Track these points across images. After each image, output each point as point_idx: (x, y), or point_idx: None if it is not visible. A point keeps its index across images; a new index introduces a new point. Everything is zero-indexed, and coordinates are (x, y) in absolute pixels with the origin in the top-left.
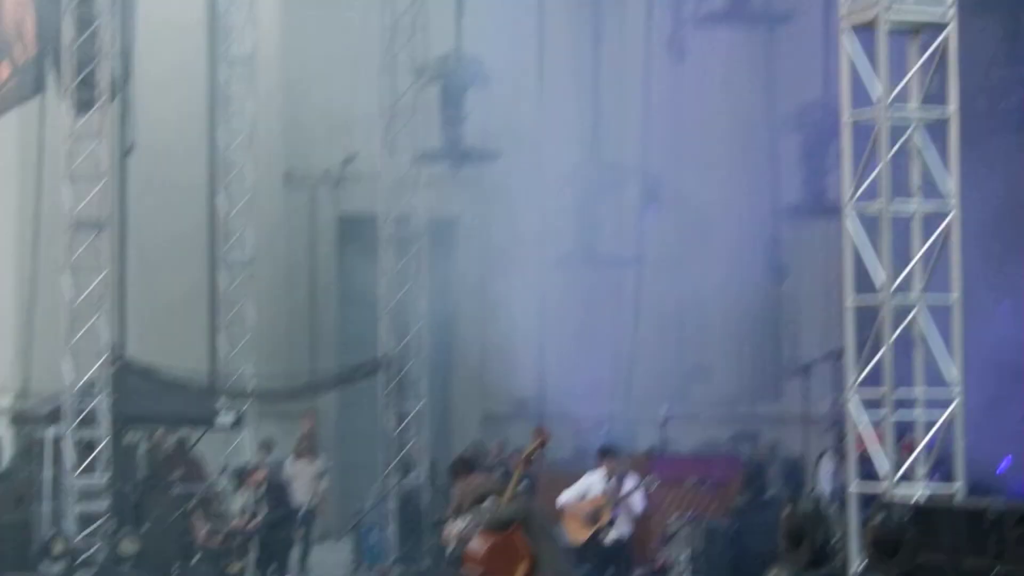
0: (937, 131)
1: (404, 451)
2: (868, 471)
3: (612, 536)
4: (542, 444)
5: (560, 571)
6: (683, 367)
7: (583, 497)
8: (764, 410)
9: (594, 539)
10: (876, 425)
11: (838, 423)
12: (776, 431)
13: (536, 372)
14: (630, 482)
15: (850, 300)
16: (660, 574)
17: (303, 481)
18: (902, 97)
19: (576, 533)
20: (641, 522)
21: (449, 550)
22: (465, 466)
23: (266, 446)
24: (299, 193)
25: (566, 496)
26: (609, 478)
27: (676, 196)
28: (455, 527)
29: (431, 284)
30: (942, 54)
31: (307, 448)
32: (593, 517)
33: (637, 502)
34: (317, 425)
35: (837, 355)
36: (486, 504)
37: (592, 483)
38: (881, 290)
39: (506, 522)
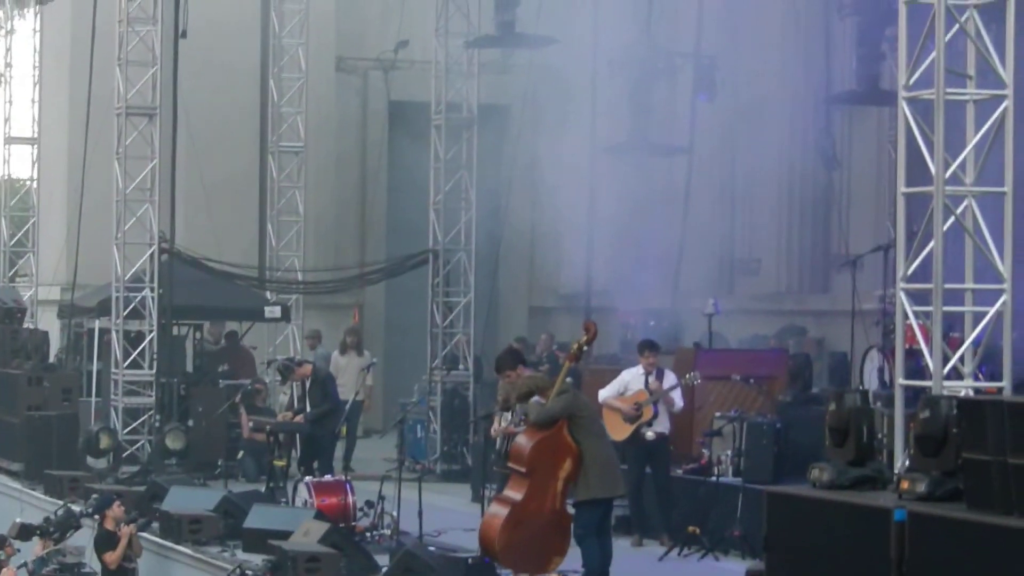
0: (994, 13)
1: (450, 345)
2: (915, 366)
3: (652, 433)
4: (591, 339)
5: (606, 466)
6: (731, 260)
7: (622, 393)
8: (812, 304)
9: (635, 436)
10: (924, 320)
11: (886, 318)
12: (823, 326)
13: (584, 265)
14: (670, 378)
15: (902, 188)
16: (704, 470)
17: (349, 375)
18: None
19: (616, 429)
20: (683, 418)
21: (497, 445)
22: (511, 360)
23: (313, 338)
24: (351, 79)
25: (605, 392)
26: (648, 374)
27: (729, 83)
28: (502, 422)
29: (481, 173)
30: None
31: (354, 342)
32: (634, 414)
33: (677, 399)
34: (364, 318)
35: (886, 248)
36: (533, 400)
37: (631, 378)
38: (934, 180)
39: (553, 419)
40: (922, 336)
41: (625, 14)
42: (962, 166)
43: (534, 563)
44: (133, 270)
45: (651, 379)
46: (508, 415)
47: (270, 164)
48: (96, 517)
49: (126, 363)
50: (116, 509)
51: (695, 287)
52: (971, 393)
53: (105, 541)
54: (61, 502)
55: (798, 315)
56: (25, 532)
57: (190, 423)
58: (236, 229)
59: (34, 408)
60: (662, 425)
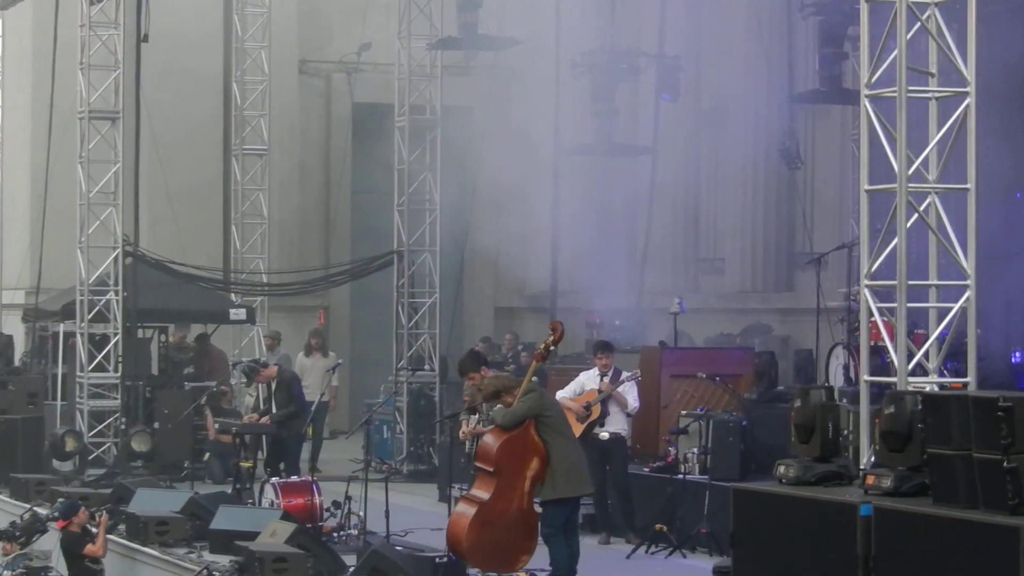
0: (955, 11)
1: (416, 346)
2: (880, 363)
3: (605, 433)
4: (558, 339)
5: (572, 466)
6: (695, 259)
7: (579, 394)
8: (777, 302)
9: (589, 436)
10: (889, 317)
11: (851, 315)
12: (788, 324)
13: (549, 265)
14: (625, 378)
15: (865, 186)
16: (670, 468)
17: (314, 376)
18: None
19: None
20: (649, 416)
21: (466, 448)
22: (474, 363)
23: (272, 339)
24: (314, 82)
25: (562, 393)
26: (604, 375)
27: (692, 84)
28: (469, 424)
29: (445, 175)
30: None
31: (318, 343)
32: (584, 413)
33: (631, 399)
34: (329, 320)
35: (850, 246)
36: (497, 408)
37: (587, 379)
38: (897, 177)
39: (519, 420)
40: (887, 333)
41: (588, 15)
42: (925, 163)
43: (502, 562)
44: (97, 273)
45: (604, 380)
46: (475, 417)
47: (234, 167)
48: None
49: (91, 366)
50: (82, 515)
51: (660, 287)
52: (936, 389)
53: (76, 541)
54: (27, 506)
55: (763, 313)
56: None
57: (156, 425)
58: (200, 232)
59: None
60: (616, 425)
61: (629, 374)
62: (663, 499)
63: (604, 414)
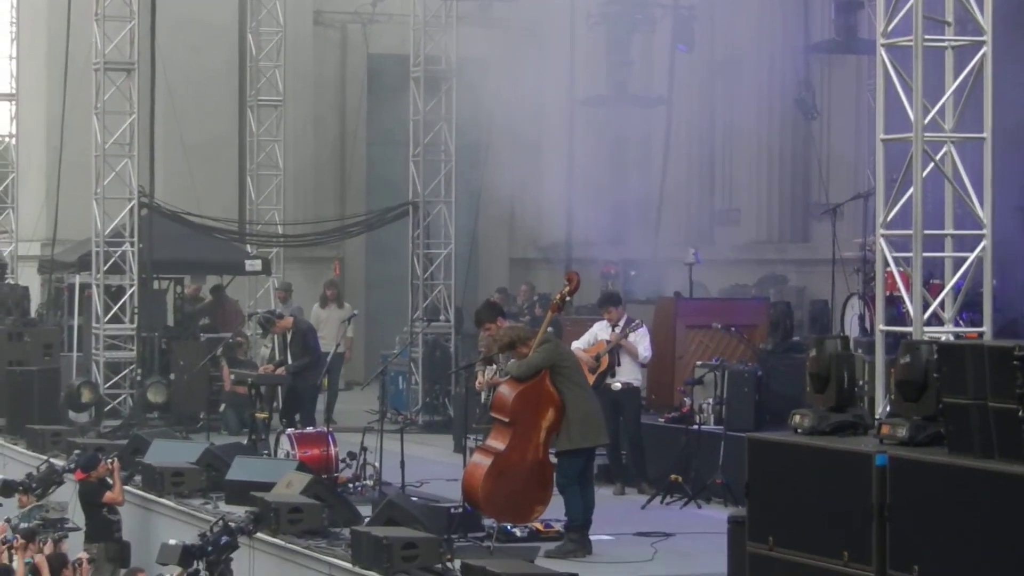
0: None
1: (431, 297)
2: (896, 313)
3: (617, 383)
4: (574, 289)
5: (587, 416)
6: (711, 210)
7: (592, 345)
8: (792, 253)
9: (601, 386)
10: (904, 266)
11: (866, 265)
12: (804, 274)
13: (564, 216)
14: (638, 329)
15: (880, 135)
16: (685, 419)
17: (330, 327)
18: None
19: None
20: (665, 367)
21: (482, 399)
22: (491, 313)
23: (284, 291)
24: (329, 33)
25: (576, 344)
26: (614, 326)
27: (707, 34)
28: (485, 375)
29: (460, 126)
30: None
31: (333, 294)
32: (593, 363)
33: (642, 348)
34: (344, 271)
35: (866, 196)
36: (511, 363)
37: (599, 330)
38: (913, 126)
39: (535, 370)
40: (902, 283)
41: None
42: (941, 113)
43: (517, 512)
44: (113, 225)
45: (615, 331)
46: (491, 368)
47: (249, 118)
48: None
49: (107, 318)
50: (101, 468)
51: (675, 237)
52: (951, 338)
53: (94, 490)
54: (43, 457)
55: (779, 264)
56: (7, 489)
57: (171, 377)
58: (215, 184)
59: (15, 363)
60: (628, 375)
61: (633, 322)
62: (678, 449)
63: (615, 364)
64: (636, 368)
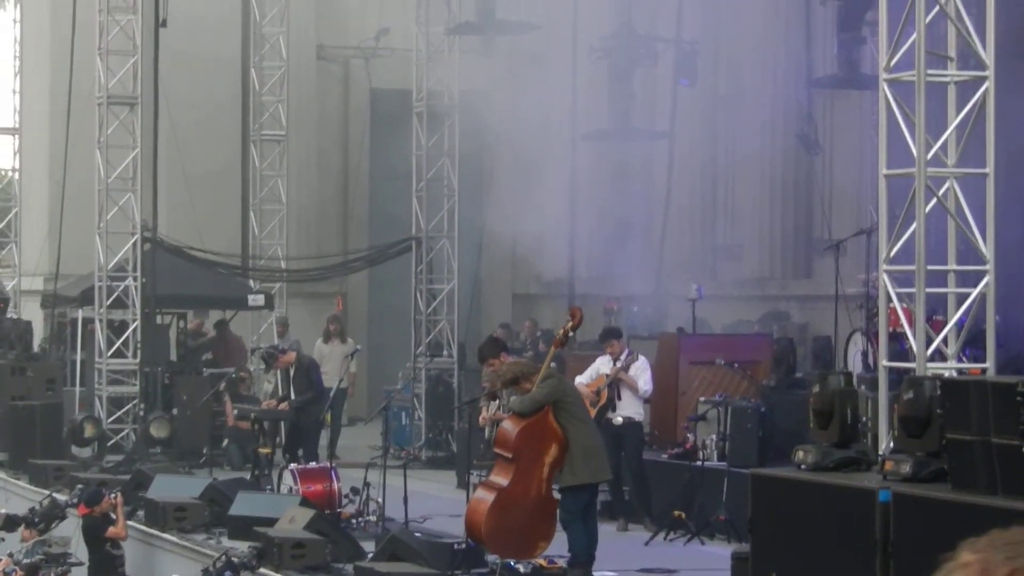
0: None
1: (434, 332)
2: (899, 349)
3: (619, 417)
4: (577, 324)
5: (591, 451)
6: (713, 245)
7: (595, 379)
8: (795, 289)
9: (601, 420)
10: (908, 302)
11: (869, 301)
12: (807, 311)
13: (567, 251)
14: (639, 363)
15: (883, 170)
16: (689, 455)
17: (333, 363)
18: None
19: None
20: (668, 403)
21: (486, 434)
22: (494, 349)
23: (282, 325)
24: (332, 68)
25: (579, 379)
26: (614, 361)
27: (709, 69)
28: (488, 410)
29: (463, 160)
30: None
31: (336, 329)
32: (594, 398)
33: (642, 382)
34: (347, 306)
35: (869, 232)
36: (514, 399)
37: (602, 364)
38: (916, 161)
39: (538, 405)
40: (906, 319)
41: (604, 1)
42: (944, 148)
43: (520, 548)
44: (116, 259)
45: (615, 365)
46: (495, 403)
47: (252, 153)
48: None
49: (110, 352)
50: (105, 504)
51: (678, 273)
52: (955, 374)
53: (98, 525)
54: (46, 491)
55: (781, 300)
56: (10, 523)
57: (174, 411)
58: (218, 218)
59: (18, 398)
60: (629, 409)
61: (631, 355)
62: (681, 485)
63: (615, 398)
64: (637, 402)
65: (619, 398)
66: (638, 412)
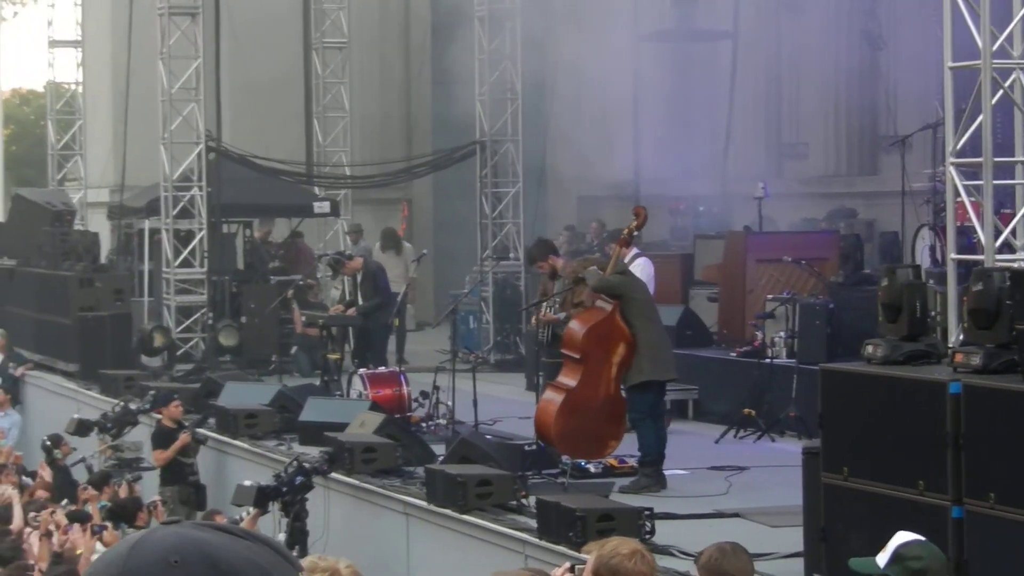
0: None
1: (500, 236)
2: (967, 243)
3: None
4: (641, 223)
5: (658, 350)
6: (778, 144)
7: None
8: (861, 186)
9: None
10: (975, 195)
11: (936, 196)
12: (873, 207)
13: (632, 152)
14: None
15: (948, 63)
16: (757, 352)
17: (397, 270)
18: None
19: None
20: (736, 301)
21: (540, 334)
22: (543, 251)
23: (355, 232)
24: None
25: None
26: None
27: None
28: (543, 312)
29: (526, 63)
30: None
31: (390, 242)
32: None
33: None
34: (412, 212)
35: (935, 127)
36: (591, 268)
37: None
38: (981, 54)
39: (611, 288)
40: (973, 212)
41: None
42: (1009, 39)
43: (590, 448)
44: (181, 169)
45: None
46: (547, 305)
47: (314, 61)
48: (154, 414)
49: (177, 262)
50: (173, 408)
51: (743, 172)
52: None
53: (161, 437)
54: (117, 400)
55: (847, 197)
56: (83, 428)
57: (243, 320)
58: (282, 126)
59: (87, 309)
60: None
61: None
62: (750, 384)
63: None
64: None
65: None
66: None
